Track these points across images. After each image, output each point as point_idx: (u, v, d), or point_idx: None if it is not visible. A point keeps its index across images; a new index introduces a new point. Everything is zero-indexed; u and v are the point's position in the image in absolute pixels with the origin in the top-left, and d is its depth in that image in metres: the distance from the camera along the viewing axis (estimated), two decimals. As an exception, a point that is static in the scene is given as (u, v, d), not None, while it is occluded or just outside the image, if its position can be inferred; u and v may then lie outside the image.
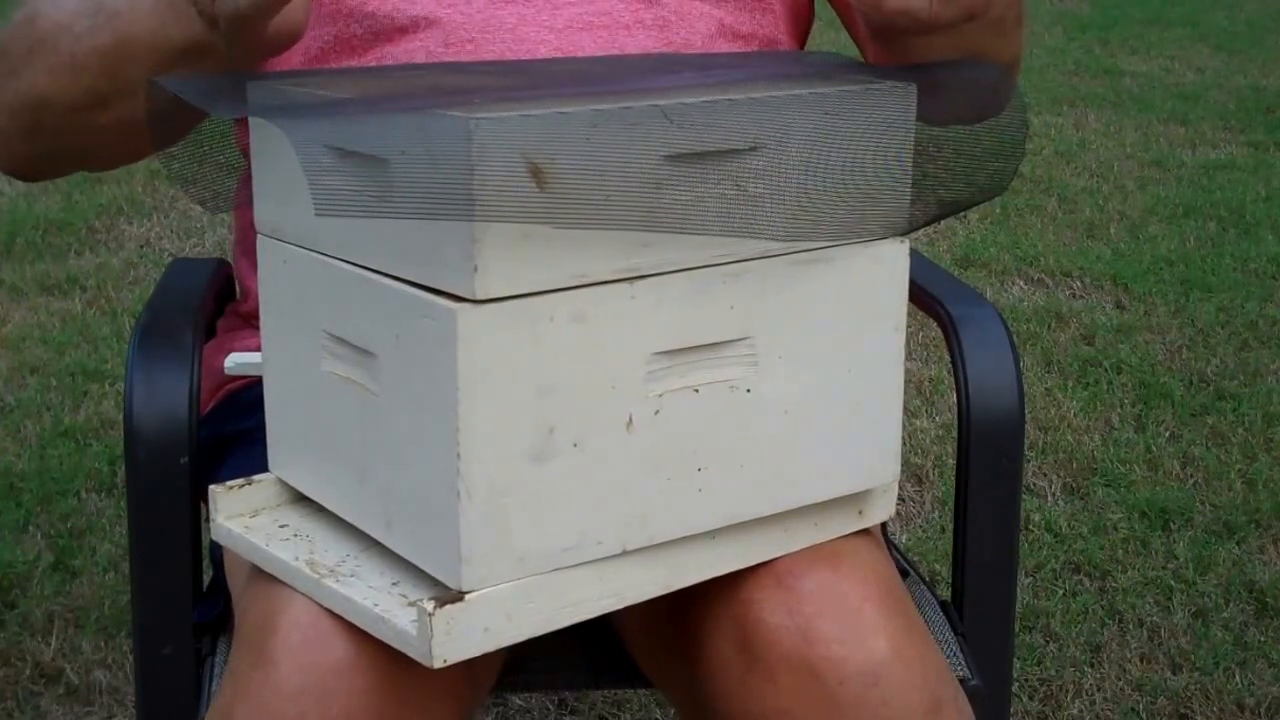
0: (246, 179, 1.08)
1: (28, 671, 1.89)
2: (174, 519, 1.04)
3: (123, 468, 1.53)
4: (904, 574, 1.18)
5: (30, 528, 2.22)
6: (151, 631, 1.06)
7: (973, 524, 1.16)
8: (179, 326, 1.12)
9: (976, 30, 1.04)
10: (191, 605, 1.06)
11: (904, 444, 0.96)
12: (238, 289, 1.30)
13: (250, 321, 1.21)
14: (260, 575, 0.90)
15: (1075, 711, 1.84)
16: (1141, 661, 1.94)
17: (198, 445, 1.06)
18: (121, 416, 1.19)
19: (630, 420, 0.82)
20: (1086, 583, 2.13)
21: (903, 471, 0.95)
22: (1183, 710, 1.84)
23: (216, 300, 1.27)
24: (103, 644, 1.94)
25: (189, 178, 0.96)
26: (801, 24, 1.22)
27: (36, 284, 3.27)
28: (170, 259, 2.07)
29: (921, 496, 2.37)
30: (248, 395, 1.16)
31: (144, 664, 1.07)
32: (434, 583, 0.82)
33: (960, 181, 0.94)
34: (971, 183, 0.94)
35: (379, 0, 1.08)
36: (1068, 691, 1.87)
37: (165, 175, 1.02)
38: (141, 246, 3.56)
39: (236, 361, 1.05)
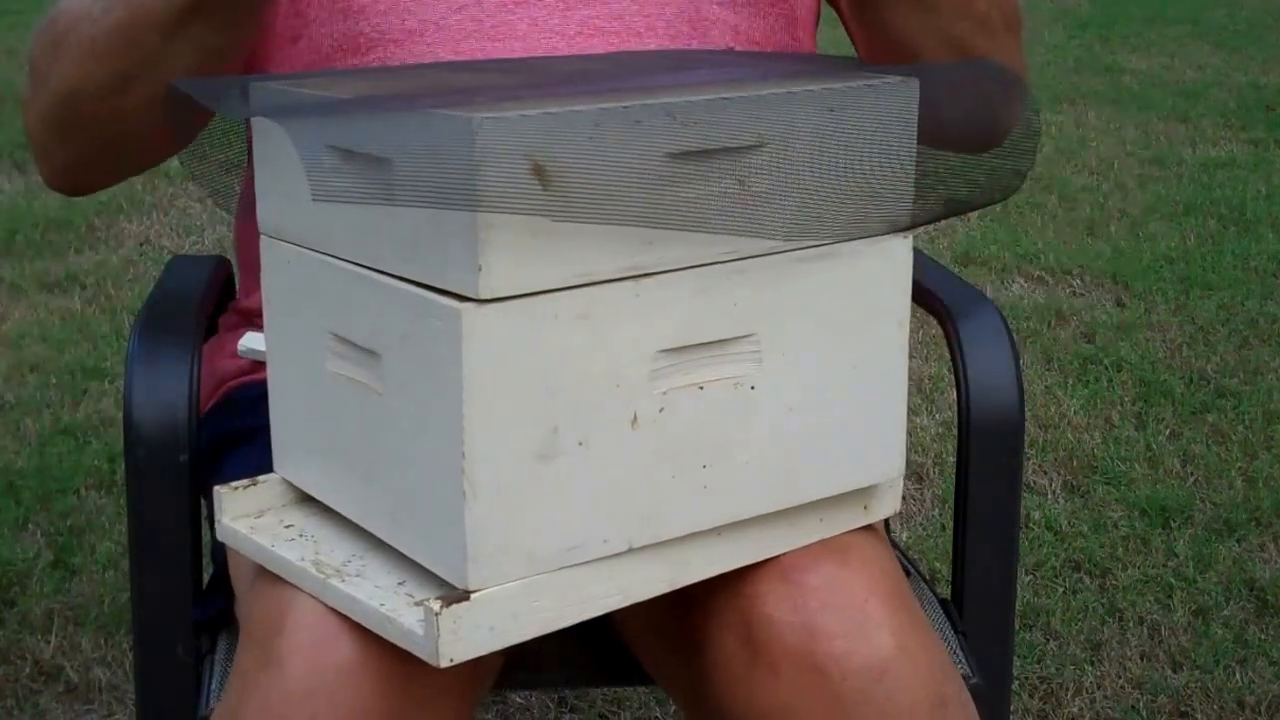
0: (248, 180, 1.08)
1: (27, 669, 1.89)
2: (173, 517, 1.04)
3: (122, 465, 1.53)
4: (905, 572, 1.18)
5: (30, 525, 2.22)
6: (151, 629, 1.06)
7: (973, 522, 1.16)
8: (179, 324, 1.12)
9: (956, 19, 1.05)
10: (191, 603, 1.06)
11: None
12: (238, 287, 1.30)
13: (251, 320, 1.20)
14: (266, 575, 0.90)
15: (1075, 709, 1.84)
16: (1142, 659, 1.94)
17: (197, 443, 1.06)
18: (121, 414, 1.19)
19: (635, 418, 0.82)
20: (1087, 581, 2.13)
21: (903, 469, 0.95)
22: (1183, 708, 1.84)
23: (216, 298, 1.27)
24: (102, 642, 1.94)
25: (199, 174, 0.96)
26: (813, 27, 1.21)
27: (36, 281, 3.27)
28: (170, 256, 2.07)
29: (921, 494, 2.37)
30: (247, 394, 1.16)
31: (143, 662, 1.07)
32: (440, 582, 0.82)
33: (969, 182, 0.94)
34: (980, 183, 0.94)
35: (390, 1, 1.07)
36: (1068, 689, 1.87)
37: (184, 173, 1.02)
38: (141, 244, 3.56)
39: (248, 345, 1.05)
